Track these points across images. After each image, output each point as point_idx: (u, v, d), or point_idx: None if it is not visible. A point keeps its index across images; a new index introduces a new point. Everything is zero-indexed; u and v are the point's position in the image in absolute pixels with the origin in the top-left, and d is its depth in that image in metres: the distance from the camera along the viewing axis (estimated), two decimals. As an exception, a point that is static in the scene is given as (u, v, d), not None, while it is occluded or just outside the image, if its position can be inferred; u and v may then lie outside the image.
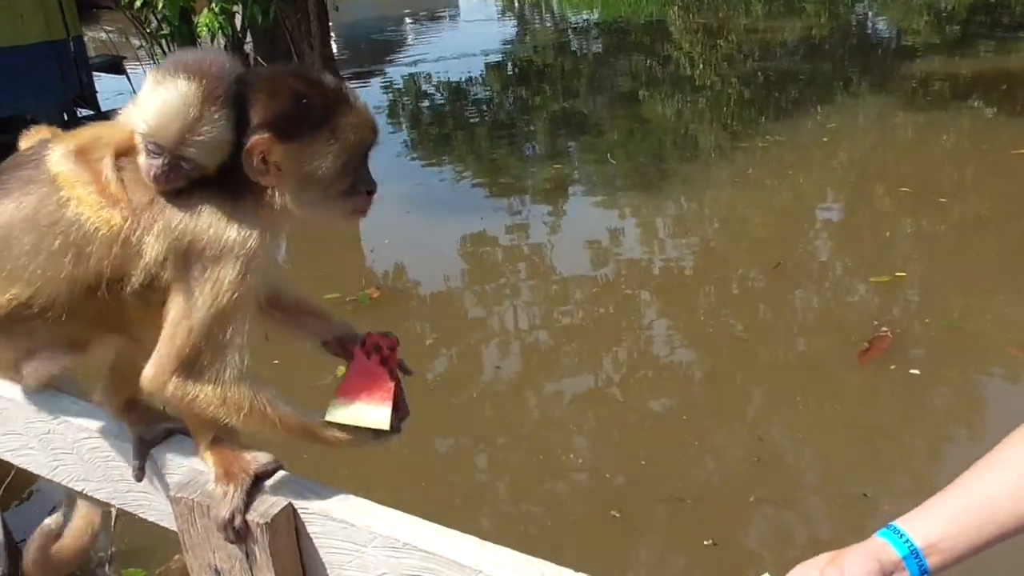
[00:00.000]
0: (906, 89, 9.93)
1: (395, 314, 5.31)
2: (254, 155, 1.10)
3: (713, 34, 14.96)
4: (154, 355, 1.11)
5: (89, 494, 1.26)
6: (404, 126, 10.46)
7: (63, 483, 1.27)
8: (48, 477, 1.26)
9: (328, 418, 1.18)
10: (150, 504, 1.24)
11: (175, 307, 1.10)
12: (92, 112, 9.54)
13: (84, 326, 1.16)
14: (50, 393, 1.28)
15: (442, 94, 11.96)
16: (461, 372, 4.75)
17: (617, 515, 3.48)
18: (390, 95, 11.81)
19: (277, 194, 1.12)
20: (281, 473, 1.19)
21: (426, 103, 11.57)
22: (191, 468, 1.20)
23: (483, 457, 4.04)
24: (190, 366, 1.09)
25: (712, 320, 5.04)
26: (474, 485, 3.85)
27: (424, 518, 1.12)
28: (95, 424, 1.26)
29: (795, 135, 8.51)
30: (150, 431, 1.26)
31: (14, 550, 2.77)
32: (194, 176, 1.11)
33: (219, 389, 1.10)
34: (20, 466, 1.24)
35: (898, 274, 5.29)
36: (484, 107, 11.29)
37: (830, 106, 9.62)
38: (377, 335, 1.26)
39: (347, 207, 1.17)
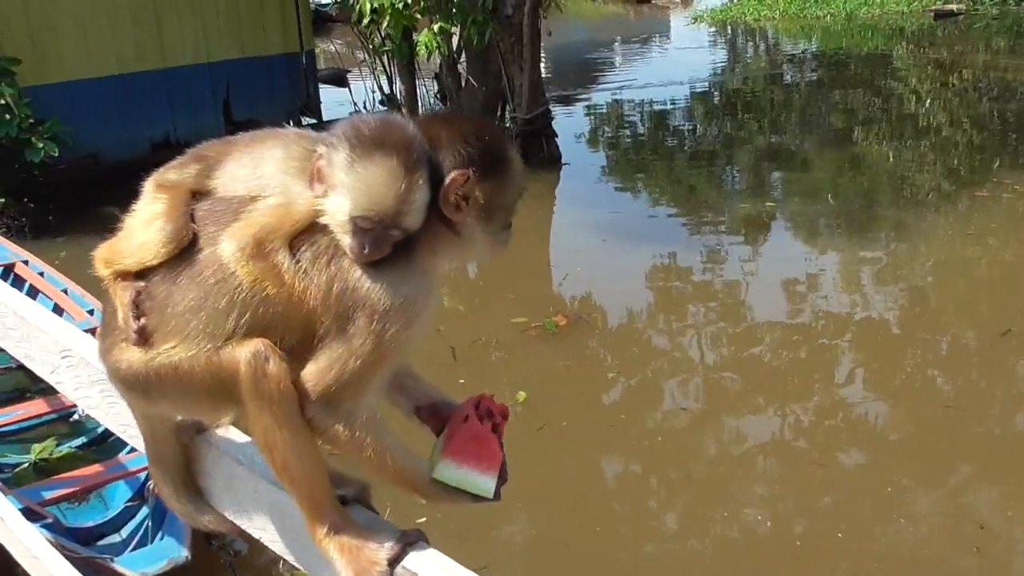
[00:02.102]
0: None
1: (579, 343, 5.26)
2: (452, 192, 1.15)
3: (945, 70, 13.90)
4: (309, 373, 1.13)
5: (270, 547, 1.26)
6: (604, 151, 10.44)
7: (246, 530, 1.28)
8: (232, 519, 1.27)
9: (435, 476, 1.18)
10: (323, 566, 1.19)
11: (333, 349, 1.12)
12: (315, 120, 10.25)
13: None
14: (239, 435, 1.30)
15: (644, 122, 11.85)
16: (642, 407, 4.62)
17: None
18: (592, 120, 11.85)
19: (465, 228, 1.18)
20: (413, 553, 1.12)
21: (627, 131, 11.51)
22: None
23: (661, 505, 3.90)
24: (330, 402, 1.12)
25: (925, 386, 4.62)
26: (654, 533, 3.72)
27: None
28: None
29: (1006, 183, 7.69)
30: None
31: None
32: (399, 240, 1.14)
33: (349, 428, 1.12)
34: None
35: None
36: (686, 136, 11.08)
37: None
38: (490, 400, 1.25)
39: (504, 238, 1.24)
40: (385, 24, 8.79)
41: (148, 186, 1.25)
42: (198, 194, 1.21)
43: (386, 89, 10.11)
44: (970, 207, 7.37)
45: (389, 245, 1.13)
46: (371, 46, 9.89)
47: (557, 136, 9.18)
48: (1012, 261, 6.35)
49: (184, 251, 1.18)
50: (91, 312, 4.54)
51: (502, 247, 1.25)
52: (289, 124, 8.97)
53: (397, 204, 1.11)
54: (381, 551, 1.12)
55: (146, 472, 3.44)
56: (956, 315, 5.46)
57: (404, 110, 9.57)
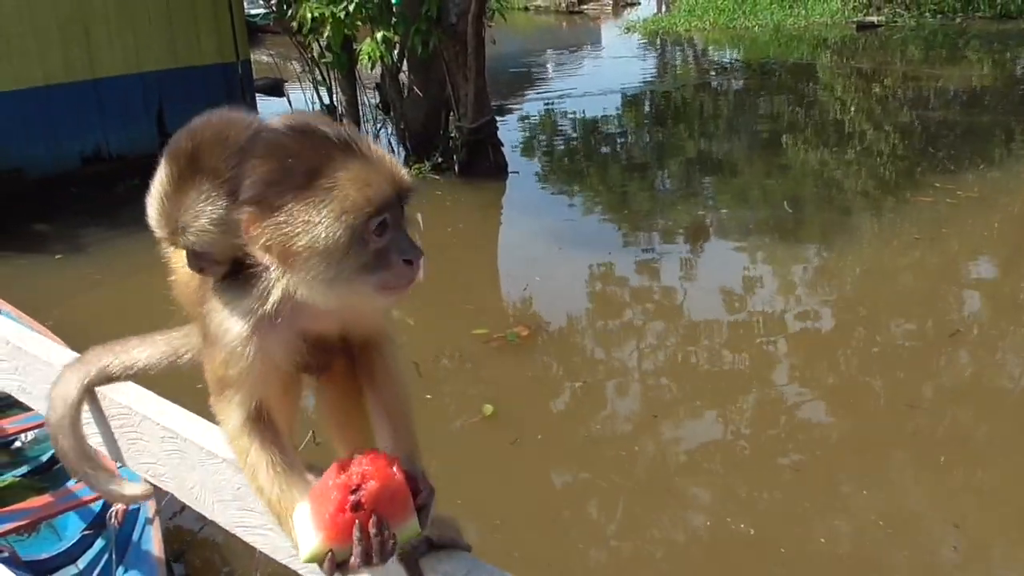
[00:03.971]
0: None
1: (542, 353, 5.22)
2: (245, 232, 0.92)
3: (868, 79, 14.37)
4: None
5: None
6: (552, 159, 10.46)
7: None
8: (284, 563, 1.16)
9: (294, 515, 1.01)
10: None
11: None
12: (252, 131, 9.99)
13: None
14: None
15: (586, 130, 11.94)
16: (614, 415, 4.60)
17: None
18: (535, 128, 11.87)
19: (284, 278, 0.94)
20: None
21: (575, 139, 11.56)
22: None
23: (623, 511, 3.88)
24: (213, 393, 1.06)
25: (873, 382, 4.72)
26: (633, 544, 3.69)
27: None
28: None
29: (953, 189, 7.97)
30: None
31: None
32: (224, 263, 1.00)
33: (224, 428, 1.06)
34: (252, 544, 1.17)
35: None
36: (630, 143, 11.19)
37: (991, 160, 9.00)
38: (375, 460, 0.96)
39: (375, 283, 0.93)
40: (325, 34, 8.64)
41: None
42: None
43: (326, 99, 9.93)
44: (914, 213, 7.57)
45: (213, 265, 1.01)
46: (310, 56, 9.70)
47: (503, 145, 9.15)
48: (933, 263, 6.55)
49: None
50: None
51: (382, 293, 0.94)
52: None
53: (163, 220, 1.00)
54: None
55: (102, 501, 3.28)
56: (904, 318, 5.60)
57: (345, 121, 9.40)
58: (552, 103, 13.33)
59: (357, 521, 0.94)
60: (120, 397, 1.23)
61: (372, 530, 0.93)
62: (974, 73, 14.48)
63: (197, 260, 1.01)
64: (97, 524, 3.33)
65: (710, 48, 19.56)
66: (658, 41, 20.59)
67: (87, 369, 1.31)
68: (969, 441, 4.24)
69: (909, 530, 3.56)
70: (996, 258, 6.58)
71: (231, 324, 1.00)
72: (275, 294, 0.96)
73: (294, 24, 8.80)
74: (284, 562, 1.11)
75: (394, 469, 0.96)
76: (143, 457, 1.26)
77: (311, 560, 0.96)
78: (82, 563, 3.25)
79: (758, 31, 20.24)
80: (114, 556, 3.13)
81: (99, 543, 3.28)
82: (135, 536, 3.17)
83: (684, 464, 4.14)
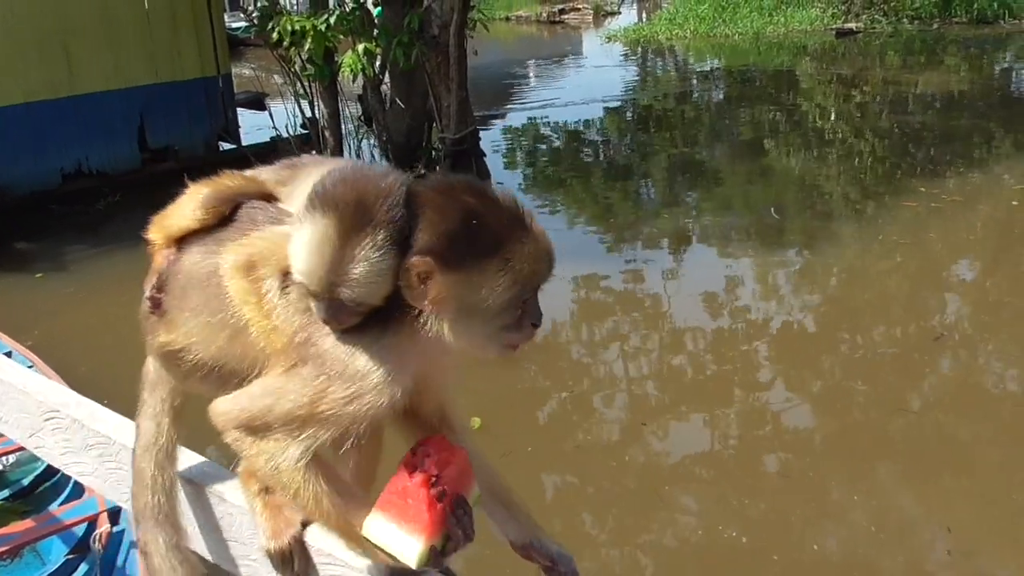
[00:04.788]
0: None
1: (527, 363, 5.19)
2: (412, 277, 0.98)
3: (848, 84, 14.49)
4: (235, 396, 1.08)
5: None
6: (536, 169, 10.47)
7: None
8: None
9: (363, 532, 1.02)
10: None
11: (278, 377, 1.05)
12: (234, 146, 9.96)
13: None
14: None
15: (571, 140, 11.96)
16: (602, 425, 4.59)
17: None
18: (520, 139, 11.89)
19: (432, 321, 1.01)
20: None
21: (559, 148, 11.58)
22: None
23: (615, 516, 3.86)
24: (255, 431, 1.05)
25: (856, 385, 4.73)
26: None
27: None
28: (330, 546, 1.13)
29: (937, 193, 8.02)
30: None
31: None
32: (366, 311, 1.01)
33: (271, 464, 1.05)
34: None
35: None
36: (620, 152, 11.21)
37: (972, 163, 9.08)
38: (435, 441, 1.05)
39: (507, 340, 1.04)
40: (306, 46, 8.61)
41: (219, 176, 1.21)
42: (271, 199, 1.17)
43: (307, 112, 9.89)
44: (898, 216, 7.60)
45: (353, 316, 1.01)
46: (291, 69, 9.67)
47: (486, 155, 9.15)
48: (916, 267, 6.58)
49: (208, 246, 1.15)
50: (30, 366, 4.22)
51: (505, 350, 1.04)
52: (208, 149, 8.70)
53: (329, 274, 0.98)
54: (299, 514, 1.11)
55: (86, 524, 3.23)
56: (889, 322, 5.62)
57: (327, 134, 9.39)
58: (535, 113, 13.36)
59: (447, 510, 0.99)
60: (99, 426, 1.19)
61: (460, 512, 1.01)
62: (952, 78, 14.63)
63: (338, 310, 1.00)
64: (81, 548, 3.27)
65: (691, 56, 19.69)
66: (639, 50, 20.70)
67: None
68: (956, 444, 4.25)
69: (902, 535, 3.56)
70: (979, 261, 6.62)
71: (375, 364, 1.01)
72: (421, 338, 1.02)
73: (275, 36, 8.77)
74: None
75: (454, 445, 1.04)
76: (124, 487, 1.23)
77: (422, 564, 0.98)
78: (67, 588, 3.19)
79: (738, 39, 20.39)
80: (98, 579, 3.08)
81: (83, 567, 3.22)
82: (119, 560, 3.12)
83: (674, 472, 4.13)
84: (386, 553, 1.00)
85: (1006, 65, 15.72)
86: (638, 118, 13.49)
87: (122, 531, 3.17)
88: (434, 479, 0.99)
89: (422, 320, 1.01)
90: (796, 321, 5.69)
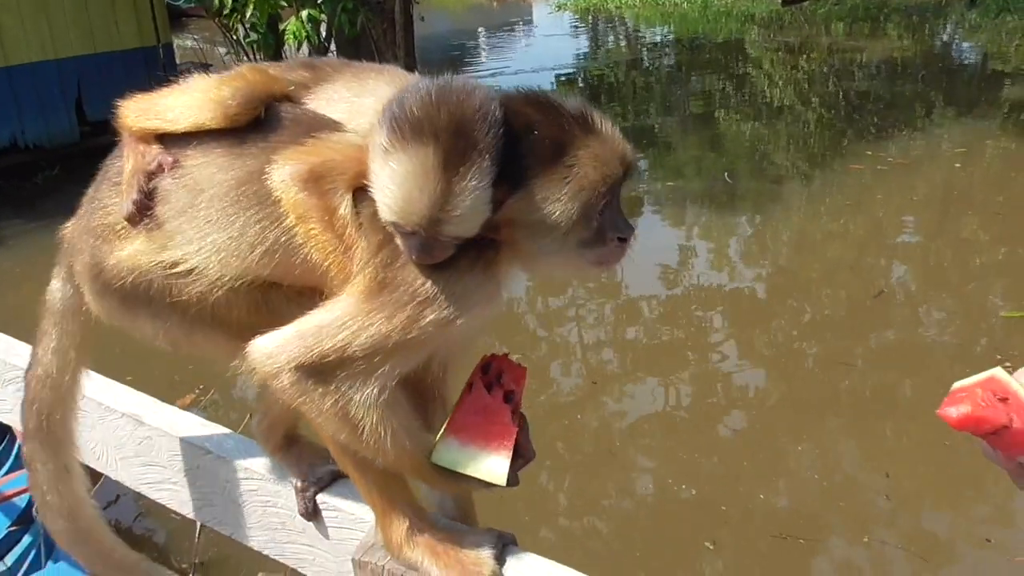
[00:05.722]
0: (995, 116, 9.51)
1: (485, 335, 5.19)
2: (500, 212, 0.93)
3: (795, 53, 14.63)
4: (280, 333, 0.94)
5: (239, 541, 1.12)
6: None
7: (209, 524, 1.13)
8: (191, 516, 1.12)
9: (435, 460, 0.97)
10: (313, 559, 1.09)
11: (346, 307, 0.93)
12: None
13: (226, 321, 1.02)
14: (202, 423, 1.14)
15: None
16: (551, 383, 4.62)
17: (711, 547, 3.31)
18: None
19: (508, 249, 0.95)
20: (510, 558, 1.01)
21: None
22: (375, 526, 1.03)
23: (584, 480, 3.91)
24: (323, 371, 0.93)
25: (806, 343, 4.83)
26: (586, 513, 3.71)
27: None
28: (252, 463, 1.11)
29: (884, 156, 8.16)
30: (313, 473, 1.10)
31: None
32: (460, 243, 0.94)
33: (342, 404, 0.94)
34: (158, 501, 1.12)
35: None
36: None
37: (915, 128, 9.26)
38: (504, 359, 1.03)
39: (591, 258, 0.97)
40: (249, 14, 8.43)
41: (238, 68, 1.06)
42: (289, 101, 1.03)
43: (253, 82, 9.70)
44: (846, 180, 7.70)
45: (446, 250, 0.92)
46: (234, 38, 9.46)
47: (435, 125, 9.07)
48: (862, 229, 6.70)
49: (233, 149, 0.99)
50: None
51: (595, 267, 0.99)
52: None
53: (431, 211, 0.88)
54: (483, 553, 1.00)
55: (27, 495, 3.17)
56: (835, 282, 5.73)
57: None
58: (485, 82, 13.23)
59: (519, 423, 1.00)
60: (16, 360, 1.16)
61: (528, 429, 1.03)
62: (895, 45, 14.84)
63: (434, 247, 0.91)
64: (24, 520, 3.21)
65: (641, 25, 19.67)
66: (589, 19, 20.62)
67: None
68: (896, 396, 4.36)
69: (844, 483, 3.66)
70: (922, 221, 6.77)
71: (472, 283, 0.94)
72: (502, 267, 0.96)
73: (216, 3, 8.56)
74: (190, 516, 1.07)
75: (518, 364, 1.05)
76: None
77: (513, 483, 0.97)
78: (10, 559, 3.13)
79: (687, 8, 20.39)
80: (43, 551, 3.03)
81: (26, 539, 3.17)
82: (64, 530, 3.06)
83: (626, 431, 4.18)
84: (467, 478, 0.96)
85: (945, 37, 16.00)
86: (589, 87, 13.47)
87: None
88: (509, 395, 0.99)
89: (500, 243, 0.95)
90: (746, 286, 5.77)
